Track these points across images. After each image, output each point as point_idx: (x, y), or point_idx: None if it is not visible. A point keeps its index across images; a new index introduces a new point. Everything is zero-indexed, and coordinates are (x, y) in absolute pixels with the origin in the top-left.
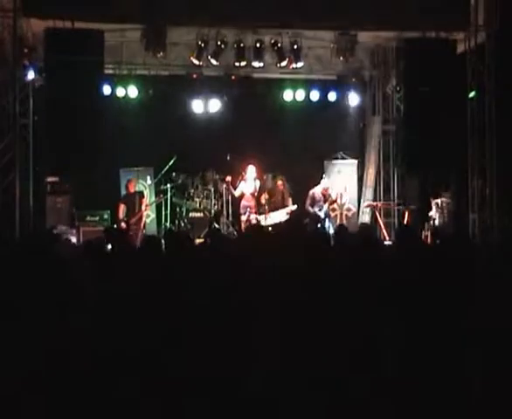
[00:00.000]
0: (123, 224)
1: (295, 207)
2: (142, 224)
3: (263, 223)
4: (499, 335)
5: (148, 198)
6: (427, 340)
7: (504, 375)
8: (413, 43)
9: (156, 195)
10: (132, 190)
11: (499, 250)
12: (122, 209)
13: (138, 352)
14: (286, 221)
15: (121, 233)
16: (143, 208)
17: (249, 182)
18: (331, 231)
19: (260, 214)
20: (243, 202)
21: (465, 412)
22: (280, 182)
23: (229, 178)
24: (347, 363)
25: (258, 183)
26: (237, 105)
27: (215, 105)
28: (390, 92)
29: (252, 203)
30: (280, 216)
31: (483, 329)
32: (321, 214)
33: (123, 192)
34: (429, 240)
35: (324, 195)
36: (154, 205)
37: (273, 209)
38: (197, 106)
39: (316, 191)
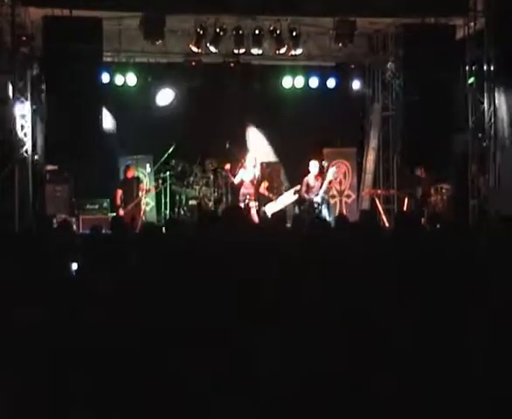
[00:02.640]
0: (121, 211)
1: (299, 187)
2: (142, 211)
3: (270, 210)
4: (500, 316)
5: (147, 185)
6: (427, 324)
7: (505, 358)
8: (412, 29)
9: (156, 182)
10: (130, 176)
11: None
12: (120, 195)
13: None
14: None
15: (125, 223)
16: (141, 194)
17: (248, 170)
18: (328, 218)
19: (266, 203)
20: (242, 190)
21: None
22: (277, 167)
23: (228, 166)
24: (347, 352)
25: (257, 171)
26: (236, 92)
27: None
28: (389, 78)
29: (252, 191)
30: (288, 198)
31: (484, 311)
32: (318, 199)
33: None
34: (428, 226)
35: (318, 180)
36: (153, 192)
37: (278, 193)
38: (195, 93)
39: (310, 177)
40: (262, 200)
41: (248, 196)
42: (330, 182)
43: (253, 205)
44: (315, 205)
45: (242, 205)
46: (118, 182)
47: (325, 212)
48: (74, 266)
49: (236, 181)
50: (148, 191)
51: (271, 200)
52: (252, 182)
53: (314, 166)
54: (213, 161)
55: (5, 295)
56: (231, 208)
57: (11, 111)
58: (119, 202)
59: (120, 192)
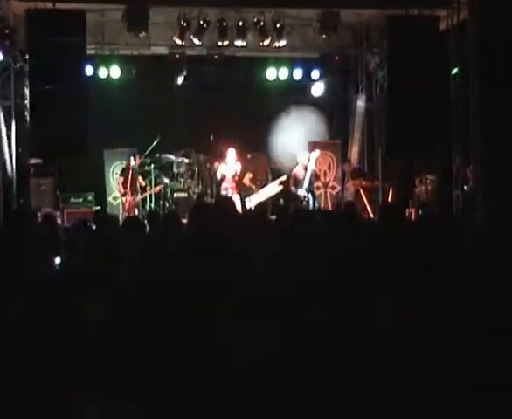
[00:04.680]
0: (123, 199)
1: (285, 177)
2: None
3: (253, 202)
4: (483, 308)
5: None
6: (413, 315)
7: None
8: (396, 20)
9: (142, 175)
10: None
11: (484, 228)
12: (121, 181)
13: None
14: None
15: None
16: (138, 187)
17: (230, 165)
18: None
19: (248, 195)
20: (224, 184)
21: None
22: (262, 158)
23: (216, 164)
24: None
25: (239, 166)
26: (220, 84)
27: (197, 84)
28: (373, 69)
29: (233, 185)
30: (271, 189)
31: (467, 302)
32: (303, 192)
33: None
34: (413, 217)
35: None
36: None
37: (262, 185)
38: (179, 85)
39: (297, 170)
40: (246, 192)
41: (230, 190)
42: (317, 175)
43: (236, 198)
44: (302, 198)
45: None
46: (103, 175)
47: (313, 202)
48: (57, 260)
49: (218, 176)
50: (155, 193)
51: (254, 192)
52: (233, 177)
53: (301, 157)
54: (198, 154)
55: None
56: (224, 198)
57: None
58: (122, 189)
59: (121, 179)
